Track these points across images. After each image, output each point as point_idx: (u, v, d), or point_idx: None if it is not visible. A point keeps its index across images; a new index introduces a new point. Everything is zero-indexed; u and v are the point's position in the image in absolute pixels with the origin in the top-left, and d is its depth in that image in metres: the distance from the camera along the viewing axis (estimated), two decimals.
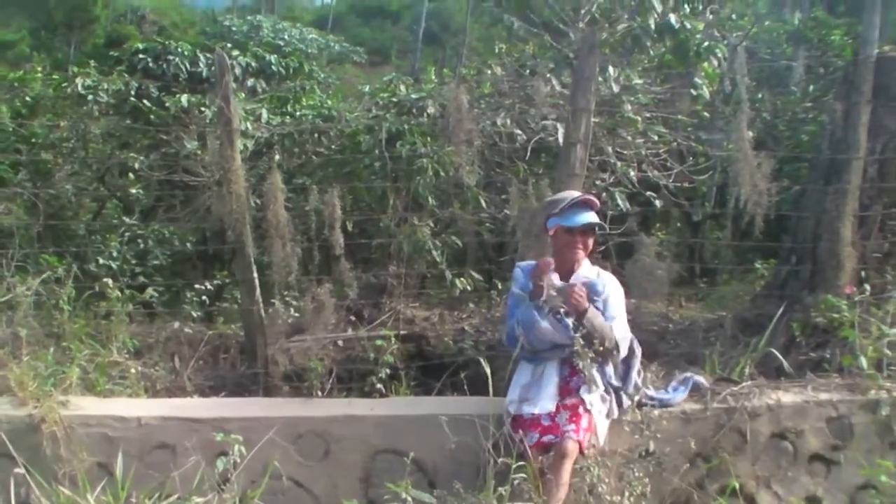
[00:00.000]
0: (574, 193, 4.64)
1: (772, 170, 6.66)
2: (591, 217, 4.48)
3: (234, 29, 26.60)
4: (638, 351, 4.58)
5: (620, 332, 4.39)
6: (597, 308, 4.37)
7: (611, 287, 4.51)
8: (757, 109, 9.35)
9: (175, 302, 8.09)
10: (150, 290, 7.60)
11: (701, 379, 4.94)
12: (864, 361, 5.11)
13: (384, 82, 11.20)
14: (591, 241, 4.57)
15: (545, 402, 4.24)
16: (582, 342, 4.16)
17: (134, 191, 9.70)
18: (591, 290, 4.40)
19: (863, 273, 6.34)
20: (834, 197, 6.43)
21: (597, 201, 4.59)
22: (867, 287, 5.87)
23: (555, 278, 4.40)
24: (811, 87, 10.66)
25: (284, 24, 28.58)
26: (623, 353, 4.43)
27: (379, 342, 6.66)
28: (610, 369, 4.41)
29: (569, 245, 4.47)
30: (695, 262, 9.92)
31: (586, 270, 4.52)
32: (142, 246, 8.95)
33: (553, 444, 4.09)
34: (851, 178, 6.37)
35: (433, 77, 11.75)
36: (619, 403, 4.43)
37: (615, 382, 4.42)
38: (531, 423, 4.22)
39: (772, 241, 7.66)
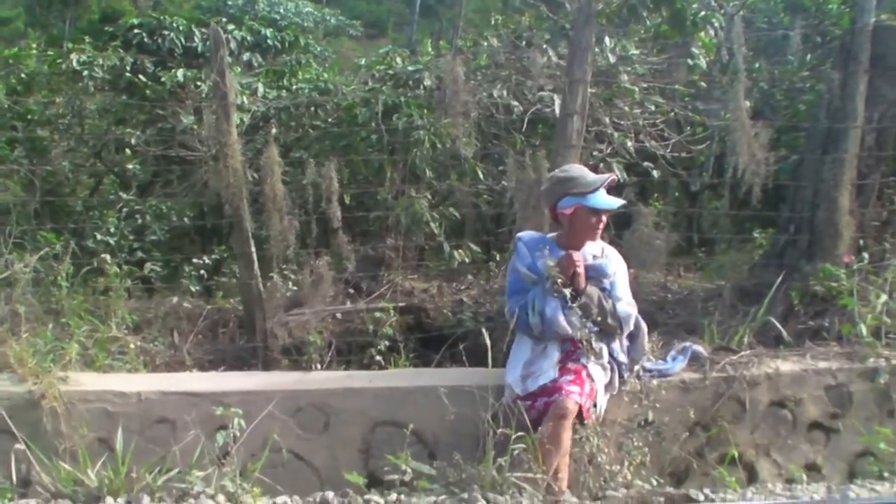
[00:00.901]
0: (587, 172, 4.50)
1: (769, 139, 6.67)
2: (618, 200, 4.45)
3: (229, 3, 26.30)
4: (644, 328, 4.53)
5: (625, 309, 4.36)
6: (604, 289, 4.35)
7: (616, 264, 4.48)
8: (754, 79, 9.29)
9: (173, 277, 8.08)
10: (148, 266, 7.60)
11: (700, 348, 4.94)
12: (863, 329, 5.13)
13: (380, 55, 11.13)
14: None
15: (548, 372, 4.21)
16: (580, 313, 4.16)
17: (131, 166, 9.66)
18: (600, 272, 4.36)
19: (861, 241, 6.35)
20: (832, 166, 6.43)
21: (615, 178, 4.59)
22: (865, 255, 5.89)
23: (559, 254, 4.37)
24: (808, 57, 10.58)
25: None
26: (628, 329, 4.41)
27: (378, 314, 6.68)
28: (616, 345, 4.39)
29: (592, 226, 4.38)
30: (693, 231, 9.89)
31: (592, 246, 4.47)
32: (139, 221, 8.92)
33: (552, 403, 4.05)
34: (849, 146, 6.37)
35: (429, 49, 11.67)
36: (622, 378, 4.42)
37: (620, 358, 4.39)
38: (536, 393, 4.19)
39: (770, 211, 7.64)
